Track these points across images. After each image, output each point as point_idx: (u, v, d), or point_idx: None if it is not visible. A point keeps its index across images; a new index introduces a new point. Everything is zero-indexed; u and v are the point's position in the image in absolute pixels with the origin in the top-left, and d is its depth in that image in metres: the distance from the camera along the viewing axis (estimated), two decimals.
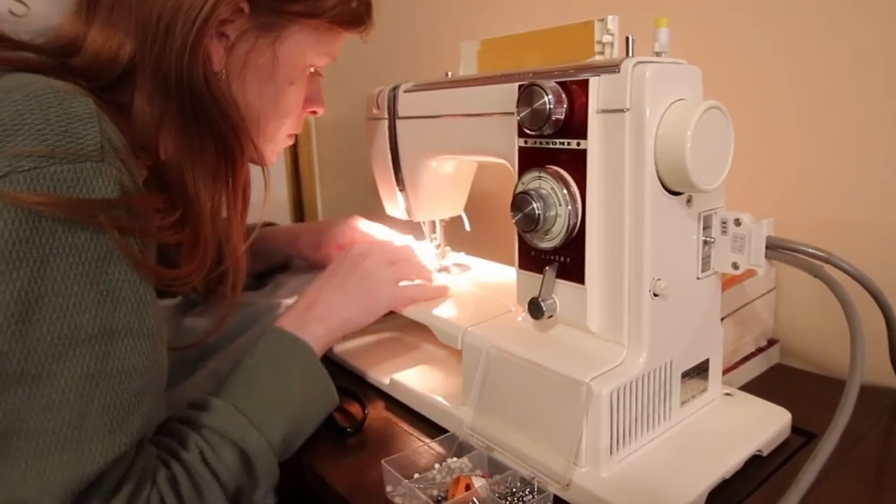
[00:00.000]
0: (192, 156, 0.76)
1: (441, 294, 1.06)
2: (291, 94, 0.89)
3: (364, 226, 1.26)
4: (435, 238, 1.21)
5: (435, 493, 0.75)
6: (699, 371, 0.84)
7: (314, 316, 0.92)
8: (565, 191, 0.77)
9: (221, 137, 0.78)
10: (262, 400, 0.78)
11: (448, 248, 1.22)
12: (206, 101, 0.76)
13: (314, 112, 0.98)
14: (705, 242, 0.80)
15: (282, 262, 1.33)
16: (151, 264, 0.67)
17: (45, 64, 0.70)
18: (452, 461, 0.80)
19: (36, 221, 0.56)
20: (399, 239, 1.22)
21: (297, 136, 0.97)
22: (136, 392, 0.64)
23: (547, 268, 0.82)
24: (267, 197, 0.89)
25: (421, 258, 1.11)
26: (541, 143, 0.80)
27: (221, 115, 0.77)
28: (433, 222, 1.19)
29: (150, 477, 0.66)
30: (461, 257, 1.23)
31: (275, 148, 0.94)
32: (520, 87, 0.79)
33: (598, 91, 0.74)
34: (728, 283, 0.96)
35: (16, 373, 0.57)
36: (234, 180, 0.82)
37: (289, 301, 1.12)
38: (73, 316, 0.59)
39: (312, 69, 0.92)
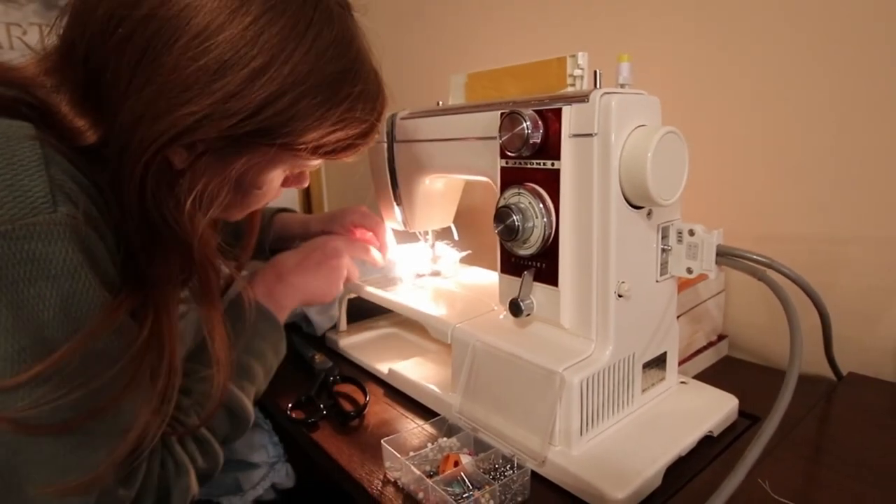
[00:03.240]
0: (151, 262, 0.65)
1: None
2: (259, 196, 0.75)
3: (365, 210, 1.20)
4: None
5: (427, 468, 0.75)
6: (658, 362, 0.84)
7: (282, 292, 0.91)
8: (541, 205, 0.77)
9: (178, 251, 0.67)
10: (244, 367, 0.80)
11: (457, 251, 1.22)
12: (155, 219, 0.63)
13: (295, 187, 0.83)
14: (663, 250, 0.80)
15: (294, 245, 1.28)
16: None
17: (6, 98, 0.60)
18: (443, 441, 0.79)
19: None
20: (389, 232, 1.20)
21: None
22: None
23: (525, 272, 0.82)
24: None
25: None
26: (520, 163, 0.80)
27: (173, 232, 0.64)
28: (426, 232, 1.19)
29: (160, 443, 0.65)
30: (454, 256, 1.22)
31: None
32: (501, 114, 0.79)
33: (570, 118, 0.74)
34: (683, 285, 0.96)
35: (15, 419, 0.54)
36: (203, 285, 0.71)
37: None
38: (56, 361, 0.54)
39: (288, 173, 0.77)
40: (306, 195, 2.12)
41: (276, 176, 0.75)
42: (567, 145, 0.75)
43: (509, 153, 0.80)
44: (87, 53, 0.61)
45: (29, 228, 0.53)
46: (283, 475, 0.98)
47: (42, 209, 0.53)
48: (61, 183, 0.56)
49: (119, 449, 0.59)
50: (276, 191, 0.78)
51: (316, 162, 0.75)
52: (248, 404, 0.78)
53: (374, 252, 1.13)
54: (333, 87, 0.66)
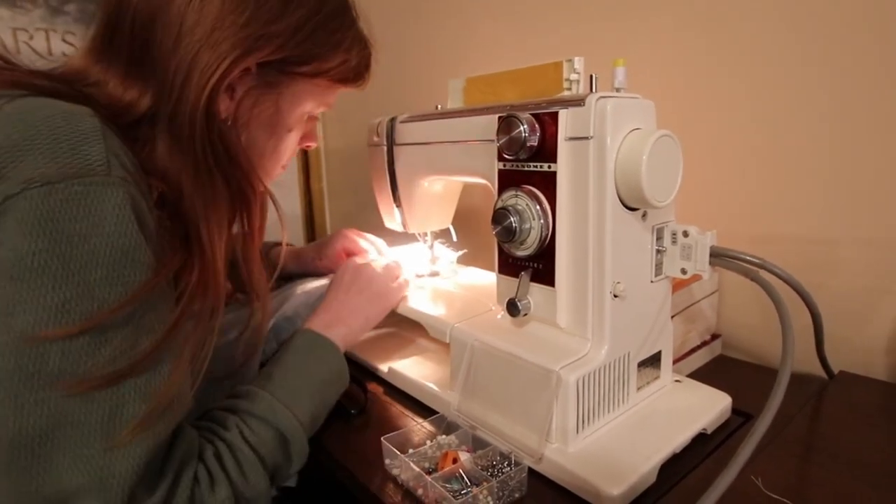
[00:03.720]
0: (206, 201, 0.70)
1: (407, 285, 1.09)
2: (289, 140, 0.85)
3: (352, 235, 1.23)
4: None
5: (426, 465, 0.75)
6: (653, 361, 0.84)
7: (337, 318, 0.92)
8: (538, 207, 0.77)
9: (236, 182, 0.73)
10: (295, 388, 0.77)
11: (453, 251, 1.23)
12: (219, 150, 0.70)
13: (308, 146, 0.93)
14: (658, 251, 0.80)
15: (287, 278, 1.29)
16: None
17: (60, 90, 0.65)
18: (442, 438, 0.79)
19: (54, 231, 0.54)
20: (381, 247, 1.23)
21: (308, 161, 0.95)
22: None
23: (522, 273, 0.82)
24: (281, 218, 0.86)
25: (399, 263, 1.11)
26: (517, 166, 0.80)
27: (233, 163, 0.72)
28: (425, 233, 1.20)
29: (196, 456, 0.63)
30: (450, 256, 1.23)
31: (270, 181, 0.87)
32: (499, 118, 0.79)
33: (567, 122, 0.74)
34: (677, 285, 0.96)
35: (53, 372, 0.53)
36: (251, 219, 0.77)
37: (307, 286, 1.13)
38: (100, 317, 0.55)
39: (310, 116, 0.87)
40: (307, 197, 2.12)
41: (302, 117, 0.84)
42: (563, 148, 0.75)
43: (507, 156, 0.80)
44: (134, 18, 0.68)
45: (87, 187, 0.55)
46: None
47: (99, 171, 0.56)
48: (116, 152, 0.60)
49: (149, 407, 0.58)
50: (294, 148, 0.87)
51: (333, 98, 0.86)
52: (297, 426, 0.73)
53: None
54: (341, 14, 0.80)
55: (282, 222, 0.85)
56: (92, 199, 0.55)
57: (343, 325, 0.91)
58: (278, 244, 1.25)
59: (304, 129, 0.88)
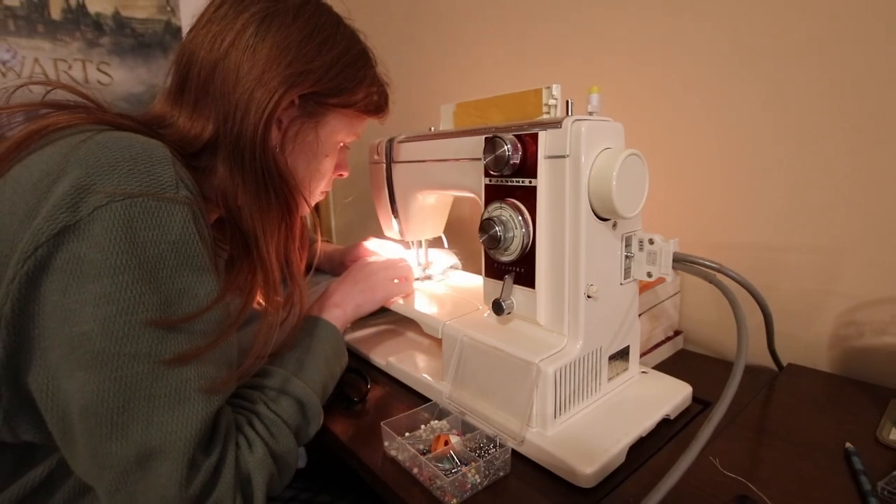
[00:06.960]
0: (262, 212, 0.76)
1: (412, 290, 1.10)
2: (326, 164, 0.89)
3: (373, 244, 1.29)
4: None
5: (421, 447, 0.74)
6: (622, 354, 0.84)
7: (332, 303, 0.94)
8: (520, 217, 0.77)
9: (283, 197, 0.78)
10: (303, 362, 0.80)
11: (453, 256, 1.24)
12: (273, 170, 0.76)
13: (341, 175, 0.97)
14: (627, 257, 0.81)
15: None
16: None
17: (139, 129, 0.70)
18: (435, 423, 0.79)
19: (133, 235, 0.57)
20: (399, 250, 1.27)
21: None
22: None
23: (506, 276, 0.82)
24: (317, 226, 0.94)
25: (409, 264, 1.12)
26: (501, 181, 0.80)
27: (283, 181, 0.78)
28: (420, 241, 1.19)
29: (234, 427, 0.66)
30: (445, 259, 1.23)
31: (312, 202, 0.92)
32: (486, 138, 0.79)
33: (546, 142, 0.75)
34: (644, 287, 0.96)
35: (130, 353, 0.56)
36: (293, 227, 0.82)
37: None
38: (172, 308, 0.59)
39: (342, 144, 0.92)
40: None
41: (336, 145, 0.89)
42: (543, 165, 0.75)
43: (492, 172, 0.80)
44: (200, 69, 0.75)
45: (159, 202, 0.59)
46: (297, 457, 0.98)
47: (169, 190, 0.61)
48: (182, 177, 0.64)
49: (209, 384, 0.61)
50: (331, 174, 0.93)
51: (360, 128, 0.91)
52: (310, 392, 0.76)
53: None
54: (364, 57, 0.86)
55: (318, 228, 0.91)
56: (162, 212, 0.59)
57: (338, 308, 0.93)
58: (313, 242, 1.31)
59: (338, 158, 0.93)
